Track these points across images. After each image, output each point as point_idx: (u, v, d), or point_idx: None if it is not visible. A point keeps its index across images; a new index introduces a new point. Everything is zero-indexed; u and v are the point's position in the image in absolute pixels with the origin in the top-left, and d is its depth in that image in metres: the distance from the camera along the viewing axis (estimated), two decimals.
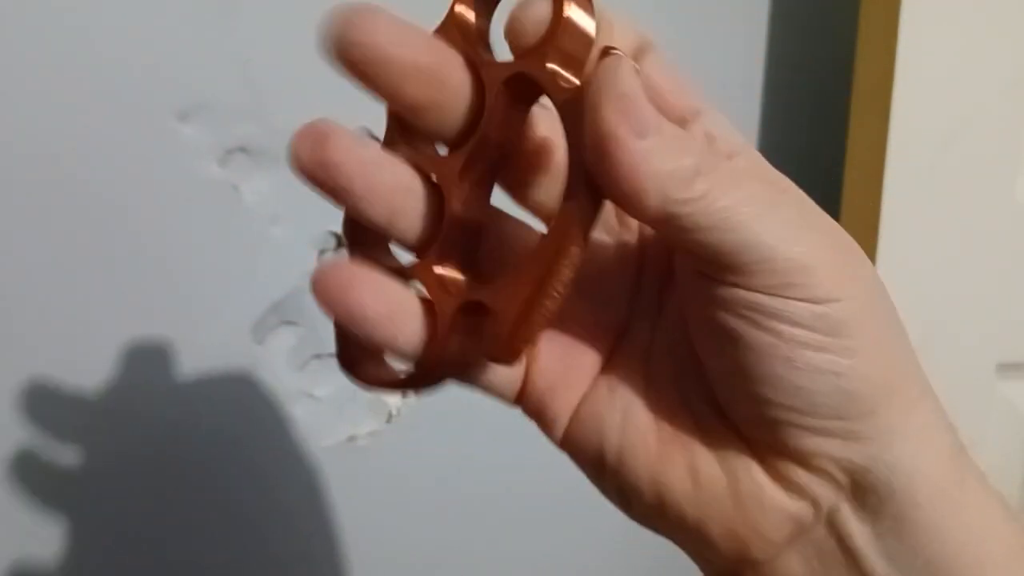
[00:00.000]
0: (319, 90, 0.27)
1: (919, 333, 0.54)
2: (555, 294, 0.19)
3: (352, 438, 0.44)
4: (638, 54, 0.21)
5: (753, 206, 0.19)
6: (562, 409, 0.23)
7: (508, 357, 0.20)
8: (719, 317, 0.20)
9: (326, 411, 0.43)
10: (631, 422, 0.22)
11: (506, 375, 0.22)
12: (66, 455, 0.38)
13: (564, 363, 0.23)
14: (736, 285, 0.19)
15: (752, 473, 0.21)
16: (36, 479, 0.38)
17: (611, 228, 0.24)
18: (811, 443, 0.20)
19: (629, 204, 0.18)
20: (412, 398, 0.45)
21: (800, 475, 0.20)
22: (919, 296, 0.47)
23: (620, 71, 0.18)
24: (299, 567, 0.45)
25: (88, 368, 0.38)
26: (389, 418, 0.45)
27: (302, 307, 0.41)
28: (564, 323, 0.23)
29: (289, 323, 0.41)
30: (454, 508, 0.48)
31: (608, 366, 0.23)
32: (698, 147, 0.19)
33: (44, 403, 0.37)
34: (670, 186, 0.18)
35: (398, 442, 0.45)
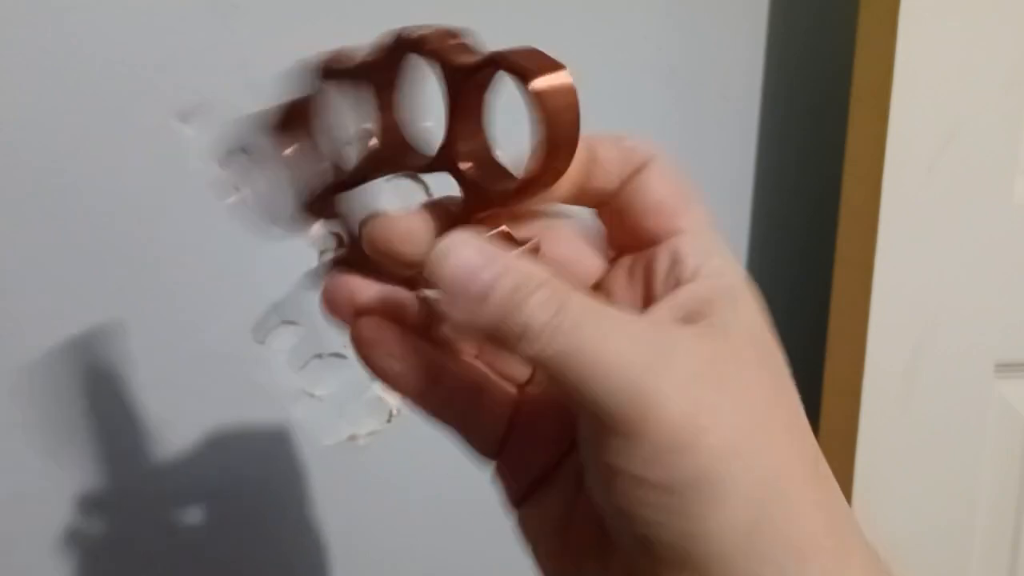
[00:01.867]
0: None
1: (919, 333, 0.54)
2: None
3: (352, 438, 0.44)
4: (636, 171, 0.21)
5: (590, 353, 0.18)
6: (519, 486, 0.24)
7: None
8: (584, 449, 0.20)
9: (326, 411, 0.43)
10: (545, 526, 0.23)
11: (486, 433, 0.24)
12: (63, 454, 0.38)
13: (528, 451, 0.24)
14: (587, 420, 0.19)
15: None
16: (28, 480, 0.38)
17: None
18: None
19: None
20: None
21: None
22: (918, 296, 0.47)
23: (449, 251, 0.19)
24: (299, 566, 0.45)
25: (87, 367, 0.38)
26: (389, 418, 0.45)
27: (302, 307, 0.41)
28: (539, 422, 0.24)
29: (289, 323, 0.41)
30: (454, 508, 0.48)
31: (554, 472, 0.24)
32: (537, 298, 0.18)
33: (42, 403, 0.37)
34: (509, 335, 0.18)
35: (398, 442, 0.45)
